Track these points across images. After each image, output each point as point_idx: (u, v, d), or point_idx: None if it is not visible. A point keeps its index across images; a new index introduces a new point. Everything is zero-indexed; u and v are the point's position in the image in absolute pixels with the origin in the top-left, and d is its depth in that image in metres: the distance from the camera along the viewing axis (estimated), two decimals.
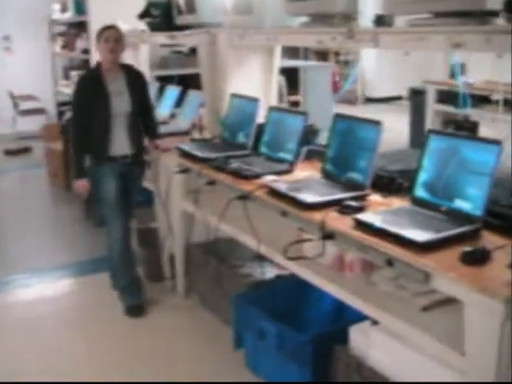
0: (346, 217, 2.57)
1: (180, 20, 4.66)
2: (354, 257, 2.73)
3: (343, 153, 3.00)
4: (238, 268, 3.95)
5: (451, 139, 2.54)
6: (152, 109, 4.08)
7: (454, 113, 8.03)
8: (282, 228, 3.06)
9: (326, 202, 2.71)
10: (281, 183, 2.99)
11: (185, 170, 3.71)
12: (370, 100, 12.61)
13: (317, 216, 2.61)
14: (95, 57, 6.72)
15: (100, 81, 3.78)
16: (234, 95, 3.96)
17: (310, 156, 3.54)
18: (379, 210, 2.59)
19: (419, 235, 2.24)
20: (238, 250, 3.97)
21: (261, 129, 3.68)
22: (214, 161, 3.50)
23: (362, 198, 2.78)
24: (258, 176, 3.20)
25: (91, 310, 4.18)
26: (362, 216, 2.48)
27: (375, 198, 2.80)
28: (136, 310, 4.01)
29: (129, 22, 6.03)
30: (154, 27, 5.09)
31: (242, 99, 3.87)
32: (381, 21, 2.99)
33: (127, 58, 6.03)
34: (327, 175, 3.07)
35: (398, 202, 2.73)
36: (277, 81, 4.24)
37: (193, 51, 10.30)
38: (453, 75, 8.32)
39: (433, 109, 8.13)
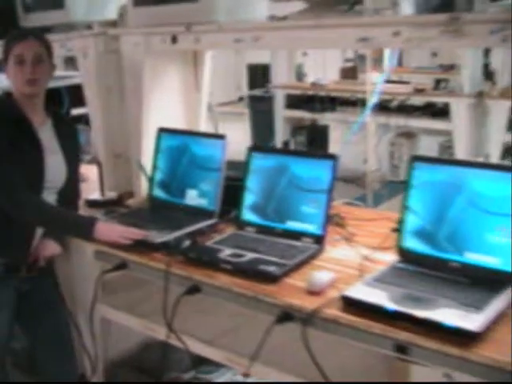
0: None
1: (30, 20, 3.04)
2: None
3: (447, 221, 1.82)
4: None
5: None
6: (78, 185, 2.44)
7: (305, 118, 7.24)
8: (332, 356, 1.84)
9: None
10: (363, 287, 1.73)
11: (121, 266, 2.22)
12: None
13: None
14: None
15: (26, 123, 2.16)
16: (167, 131, 2.54)
17: None
18: None
19: None
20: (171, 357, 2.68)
21: (229, 184, 2.35)
22: (179, 246, 2.09)
23: None
24: (289, 271, 1.90)
25: None
26: None
27: None
28: None
29: None
30: None
31: (190, 137, 2.47)
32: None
33: None
34: (414, 259, 1.86)
35: None
36: (207, 102, 2.88)
37: None
38: (299, 77, 7.52)
39: (282, 115, 7.22)
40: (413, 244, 1.89)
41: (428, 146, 6.91)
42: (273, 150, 2.45)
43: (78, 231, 2.18)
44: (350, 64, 10.06)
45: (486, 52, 5.75)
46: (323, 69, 9.06)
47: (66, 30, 2.95)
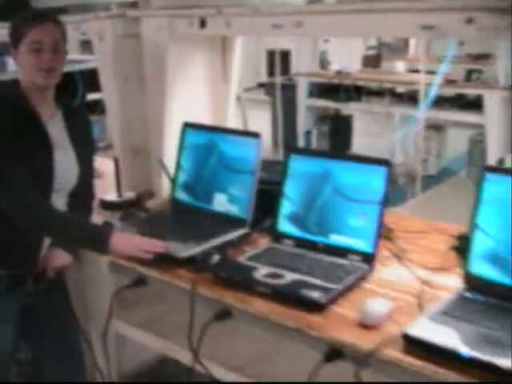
0: None
1: (43, 0, 2.77)
2: None
3: None
4: None
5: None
6: (92, 184, 2.15)
7: (329, 107, 6.92)
8: None
9: None
10: (428, 322, 1.45)
11: (139, 282, 1.96)
12: None
13: None
14: None
15: (34, 117, 1.87)
16: (194, 126, 2.27)
17: None
18: None
19: None
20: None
21: (262, 188, 2.08)
22: (206, 262, 1.82)
23: None
24: (337, 297, 1.63)
25: None
26: None
27: None
28: None
29: None
30: None
31: (219, 134, 2.20)
32: None
33: None
34: (484, 287, 1.59)
35: None
36: (236, 92, 2.61)
37: None
38: (323, 65, 7.20)
39: (305, 104, 6.91)
40: (483, 269, 1.61)
41: (457, 140, 6.60)
42: (314, 153, 2.18)
43: (91, 244, 1.91)
44: (372, 52, 9.69)
45: None
46: (346, 56, 8.72)
47: (82, 11, 2.69)
